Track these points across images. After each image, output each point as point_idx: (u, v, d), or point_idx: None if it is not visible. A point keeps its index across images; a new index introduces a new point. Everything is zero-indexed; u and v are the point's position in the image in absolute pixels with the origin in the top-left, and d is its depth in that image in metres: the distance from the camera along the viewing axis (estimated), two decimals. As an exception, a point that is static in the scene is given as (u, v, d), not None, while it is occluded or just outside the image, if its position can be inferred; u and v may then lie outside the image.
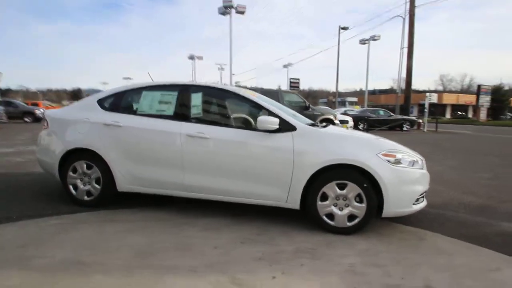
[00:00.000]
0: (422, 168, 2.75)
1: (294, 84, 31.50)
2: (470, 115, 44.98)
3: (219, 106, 3.19)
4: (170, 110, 3.01)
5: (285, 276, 1.96)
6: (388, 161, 2.57)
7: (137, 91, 3.25)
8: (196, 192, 2.90)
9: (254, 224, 2.81)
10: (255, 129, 2.79)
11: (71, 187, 3.14)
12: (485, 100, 30.06)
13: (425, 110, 17.59)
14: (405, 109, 19.59)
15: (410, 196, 2.63)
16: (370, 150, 2.61)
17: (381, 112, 17.98)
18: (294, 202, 2.69)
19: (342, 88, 69.53)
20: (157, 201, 3.29)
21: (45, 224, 2.69)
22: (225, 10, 17.60)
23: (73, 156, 3.09)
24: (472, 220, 3.15)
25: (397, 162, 2.60)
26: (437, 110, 35.84)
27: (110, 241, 2.39)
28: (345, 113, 16.67)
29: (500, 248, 2.46)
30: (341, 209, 2.61)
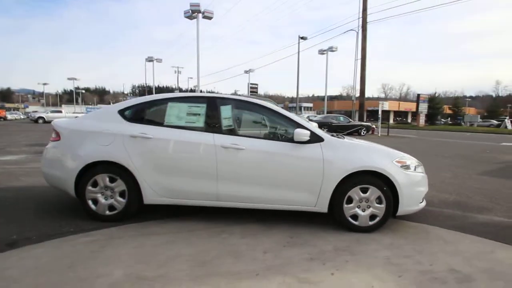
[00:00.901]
0: (422, 172, 3.23)
1: (253, 89, 31.98)
2: (409, 120, 50.29)
3: (249, 118, 3.34)
4: (200, 122, 3.08)
5: (340, 272, 2.21)
6: (401, 167, 3.00)
7: (161, 102, 3.24)
8: (228, 201, 3.01)
9: (283, 228, 3.01)
10: (285, 139, 3.02)
11: (90, 202, 3.00)
12: (424, 107, 33.99)
13: (379, 116, 19.45)
14: (361, 115, 21.35)
15: (418, 196, 3.09)
16: (387, 158, 3.02)
17: (341, 118, 19.38)
18: (322, 206, 2.97)
19: (295, 94, 72.48)
20: (173, 212, 3.30)
21: (76, 242, 2.56)
22: (192, 14, 17.43)
23: (92, 169, 2.97)
24: (454, 214, 3.74)
25: (407, 167, 3.05)
26: (382, 116, 39.43)
27: (158, 254, 2.39)
28: (308, 119, 17.62)
29: (485, 235, 3.01)
30: (363, 210, 2.96)
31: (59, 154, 3.10)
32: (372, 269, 2.28)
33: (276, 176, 2.95)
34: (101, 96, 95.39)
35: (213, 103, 3.12)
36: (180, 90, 48.19)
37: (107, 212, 3.02)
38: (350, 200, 2.94)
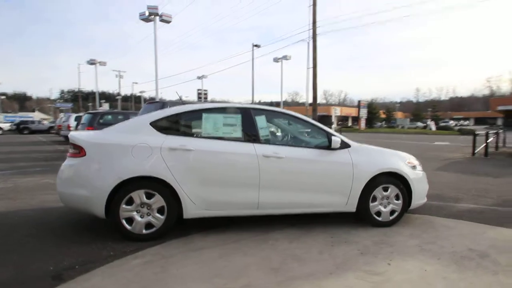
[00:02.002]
0: (422, 171, 3.78)
1: (201, 95, 31.45)
2: (349, 124, 55.02)
3: (283, 127, 3.49)
4: (237, 132, 3.13)
5: (393, 262, 2.52)
6: (411, 167, 3.49)
7: (196, 113, 3.20)
8: (268, 208, 3.12)
9: (318, 229, 3.23)
10: (317, 146, 3.27)
11: (124, 221, 2.81)
12: (364, 112, 37.69)
13: (333, 121, 21.10)
14: (318, 121, 22.83)
15: (424, 192, 3.61)
16: (401, 160, 3.48)
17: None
18: (352, 206, 3.28)
19: (244, 99, 73.85)
20: (197, 225, 3.26)
21: (130, 266, 2.39)
22: (148, 16, 16.66)
23: (127, 186, 2.79)
24: (440, 205, 4.41)
25: (415, 167, 3.55)
26: (327, 120, 42.48)
27: (224, 267, 2.40)
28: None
29: (470, 219, 3.67)
30: (385, 206, 3.36)
31: (85, 171, 2.83)
32: (415, 256, 2.64)
33: (312, 181, 3.17)
34: (21, 102, 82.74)
35: (248, 114, 3.21)
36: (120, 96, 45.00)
37: (144, 231, 2.86)
38: (374, 199, 3.31)
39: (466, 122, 61.80)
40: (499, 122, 56.06)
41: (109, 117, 10.98)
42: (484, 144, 10.35)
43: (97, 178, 2.80)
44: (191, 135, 3.09)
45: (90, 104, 57.86)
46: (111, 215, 2.79)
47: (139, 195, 2.82)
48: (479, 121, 65.87)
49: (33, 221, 3.43)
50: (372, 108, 43.53)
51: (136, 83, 59.26)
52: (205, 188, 2.94)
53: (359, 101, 38.60)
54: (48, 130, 25.63)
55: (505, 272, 2.35)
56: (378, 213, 3.34)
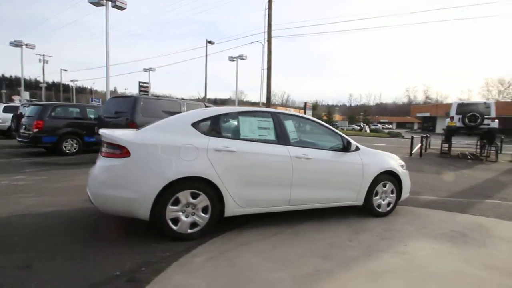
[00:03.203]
0: (405, 169, 4.56)
1: (143, 88, 29.47)
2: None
3: (307, 131, 3.83)
4: (271, 135, 3.39)
5: (407, 243, 3.11)
6: (401, 166, 4.21)
7: (233, 116, 3.35)
8: (297, 204, 3.45)
9: (335, 221, 3.69)
10: (334, 149, 3.72)
11: (170, 222, 2.84)
12: (309, 114, 40.27)
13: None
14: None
15: (409, 187, 4.37)
16: (394, 161, 4.17)
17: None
18: (360, 200, 3.83)
19: (186, 95, 71.98)
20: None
21: (197, 263, 2.48)
22: (99, 0, 15.10)
23: (174, 186, 2.82)
24: (413, 197, 5.24)
25: (403, 166, 4.29)
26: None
27: (283, 257, 2.67)
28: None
29: (440, 208, 4.59)
30: (383, 200, 4.00)
31: (129, 172, 2.76)
32: (419, 238, 3.29)
33: (332, 179, 3.62)
34: None
35: (278, 118, 3.49)
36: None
37: (189, 230, 2.92)
38: (376, 194, 3.92)
39: (390, 126, 70.92)
40: (415, 126, 66.01)
41: (62, 109, 9.88)
42: (419, 146, 12.34)
43: (145, 180, 2.76)
44: (231, 137, 3.23)
45: (4, 91, 49.32)
46: (156, 216, 2.79)
47: (185, 196, 2.88)
48: (400, 125, 76.43)
49: (69, 223, 3.15)
50: (317, 109, 46.96)
51: (66, 70, 52.22)
52: (245, 187, 3.13)
53: (305, 103, 40.85)
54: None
55: (485, 245, 3.14)
56: (379, 206, 3.96)
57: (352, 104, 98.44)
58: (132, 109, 8.00)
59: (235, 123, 3.35)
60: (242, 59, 26.73)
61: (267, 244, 2.95)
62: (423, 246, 3.07)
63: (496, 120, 10.79)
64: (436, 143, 15.45)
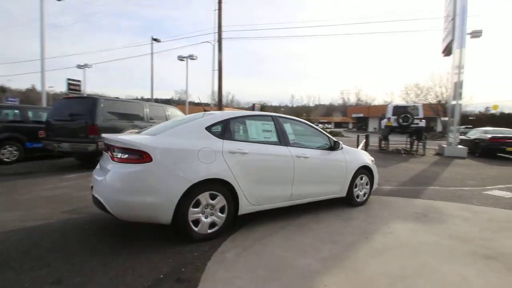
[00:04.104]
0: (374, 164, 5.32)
1: (73, 87, 26.70)
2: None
3: (300, 132, 4.17)
4: (273, 137, 3.68)
5: (390, 225, 3.72)
6: (371, 161, 4.92)
7: (240, 120, 3.53)
8: (297, 199, 3.82)
9: (323, 213, 4.16)
10: (324, 148, 4.19)
11: (191, 223, 2.93)
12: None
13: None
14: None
15: (377, 179, 5.11)
16: (367, 157, 4.84)
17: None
18: (344, 192, 4.39)
19: (124, 95, 67.41)
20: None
21: (230, 259, 2.65)
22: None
23: (195, 189, 2.92)
24: (378, 188, 6.14)
25: (372, 161, 5.01)
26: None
27: (301, 245, 2.99)
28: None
29: (400, 195, 5.47)
30: (360, 191, 4.64)
31: (151, 177, 2.76)
32: (395, 220, 3.95)
33: (324, 175, 4.09)
34: None
35: (278, 121, 3.81)
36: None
37: (208, 230, 3.05)
38: (355, 186, 4.53)
39: (330, 125, 77.07)
40: (350, 126, 73.01)
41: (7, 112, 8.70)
42: (363, 143, 13.94)
43: (167, 184, 2.80)
44: (240, 139, 3.42)
45: None
46: (179, 219, 2.86)
47: (205, 197, 3.00)
48: (337, 125, 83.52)
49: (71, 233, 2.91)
50: (265, 110, 48.50)
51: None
52: (256, 186, 3.37)
53: (253, 104, 41.95)
54: None
55: (444, 222, 3.95)
56: (357, 196, 4.58)
57: (294, 105, 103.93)
58: (91, 111, 7.43)
59: (243, 126, 3.56)
60: (193, 59, 26.19)
61: (280, 237, 3.25)
62: (401, 226, 3.73)
63: (424, 120, 12.88)
64: (373, 140, 17.57)
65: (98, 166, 3.50)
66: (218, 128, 3.30)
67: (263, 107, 49.07)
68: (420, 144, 13.10)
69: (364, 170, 4.66)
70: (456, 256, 2.88)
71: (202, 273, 2.37)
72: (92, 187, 3.29)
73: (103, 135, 3.17)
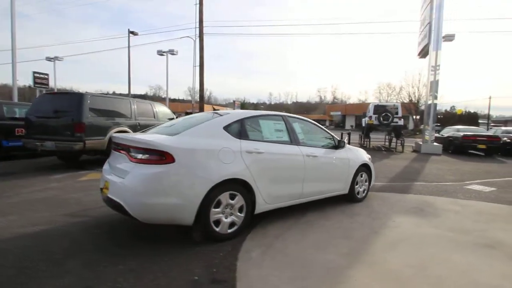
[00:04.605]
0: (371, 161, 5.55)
1: (39, 80, 24.81)
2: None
3: (307, 131, 4.25)
4: (285, 136, 3.73)
5: (394, 219, 3.93)
6: (369, 159, 5.14)
7: (254, 119, 3.55)
8: (307, 197, 3.91)
9: (329, 210, 4.31)
10: (329, 147, 4.32)
11: (213, 224, 2.93)
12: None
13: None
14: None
15: (374, 176, 5.35)
16: (365, 155, 5.05)
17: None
18: (346, 189, 4.56)
19: (95, 89, 64.46)
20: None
21: (257, 256, 2.68)
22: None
23: (216, 189, 2.91)
24: (373, 184, 6.42)
25: (370, 159, 5.23)
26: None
27: (318, 241, 3.08)
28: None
29: (392, 191, 5.76)
30: (360, 187, 4.84)
31: (176, 178, 2.71)
32: (396, 215, 4.18)
33: (330, 173, 4.22)
34: None
35: (288, 121, 3.87)
36: None
37: (228, 230, 3.05)
38: (357, 183, 4.72)
39: (307, 123, 78.73)
40: (327, 123, 74.98)
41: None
42: (346, 139, 14.38)
43: (191, 184, 2.77)
44: (256, 139, 3.44)
45: None
46: (201, 220, 2.84)
47: (225, 197, 3.00)
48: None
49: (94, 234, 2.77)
50: (245, 108, 48.61)
51: None
52: (271, 185, 3.41)
53: (234, 101, 41.99)
54: None
55: (439, 215, 4.23)
56: (358, 193, 4.78)
57: (272, 103, 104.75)
58: (77, 108, 7.07)
59: (257, 126, 3.58)
60: (173, 54, 25.46)
61: (296, 233, 3.33)
62: (404, 220, 3.95)
63: (402, 119, 13.57)
64: (353, 138, 18.21)
65: (106, 167, 3.38)
66: (235, 128, 3.30)
67: (244, 104, 49.10)
68: (399, 141, 13.79)
69: (364, 167, 4.86)
70: (461, 246, 3.12)
71: (235, 272, 2.38)
72: (102, 189, 3.18)
73: (117, 134, 3.06)
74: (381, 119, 13.41)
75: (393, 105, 14.01)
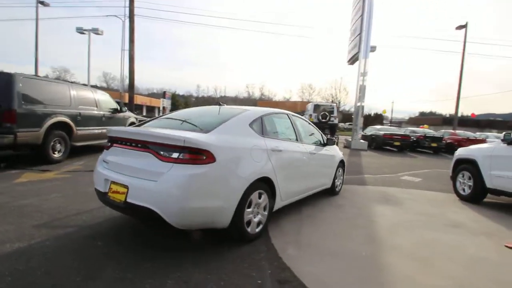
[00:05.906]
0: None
1: None
2: (144, 113, 54.53)
3: (305, 129, 4.38)
4: (292, 134, 3.85)
5: (371, 208, 4.51)
6: (342, 155, 5.71)
7: (269, 117, 3.52)
8: (307, 192, 4.13)
9: (319, 202, 4.64)
10: (321, 144, 4.63)
11: (245, 225, 2.86)
12: (168, 103, 39.18)
13: (161, 110, 20.97)
14: (131, 109, 21.57)
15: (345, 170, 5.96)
16: (340, 152, 5.59)
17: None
18: (330, 184, 4.97)
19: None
20: None
21: (288, 251, 2.72)
22: None
23: (249, 189, 2.84)
24: (349, 177, 7.05)
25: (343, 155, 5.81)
26: (136, 108, 40.77)
27: (333, 233, 3.33)
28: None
29: (362, 184, 6.49)
30: (338, 181, 5.34)
31: (217, 178, 2.52)
32: (373, 204, 4.78)
33: (324, 168, 4.54)
34: None
35: (292, 118, 4.00)
36: None
37: (256, 230, 3.02)
38: (336, 177, 5.20)
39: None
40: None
41: None
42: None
43: (229, 185, 2.64)
44: (274, 137, 3.44)
45: None
46: (235, 222, 2.74)
47: (255, 197, 2.95)
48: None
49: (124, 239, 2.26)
50: (176, 100, 46.21)
51: None
52: (286, 182, 3.49)
53: (164, 92, 39.52)
54: None
55: (403, 203, 5.03)
56: (336, 186, 5.27)
57: (199, 95, 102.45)
58: (6, 93, 5.68)
59: (273, 123, 3.59)
60: (97, 33, 22.17)
61: (310, 226, 3.52)
62: (382, 209, 4.56)
63: (337, 118, 15.21)
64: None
65: (104, 165, 2.90)
66: (257, 125, 3.25)
67: (174, 96, 46.55)
68: (334, 138, 15.45)
69: (341, 163, 5.37)
70: (436, 227, 3.83)
71: (292, 271, 2.41)
72: (105, 193, 2.72)
73: (129, 128, 2.63)
74: (320, 117, 14.76)
75: (330, 105, 15.57)
